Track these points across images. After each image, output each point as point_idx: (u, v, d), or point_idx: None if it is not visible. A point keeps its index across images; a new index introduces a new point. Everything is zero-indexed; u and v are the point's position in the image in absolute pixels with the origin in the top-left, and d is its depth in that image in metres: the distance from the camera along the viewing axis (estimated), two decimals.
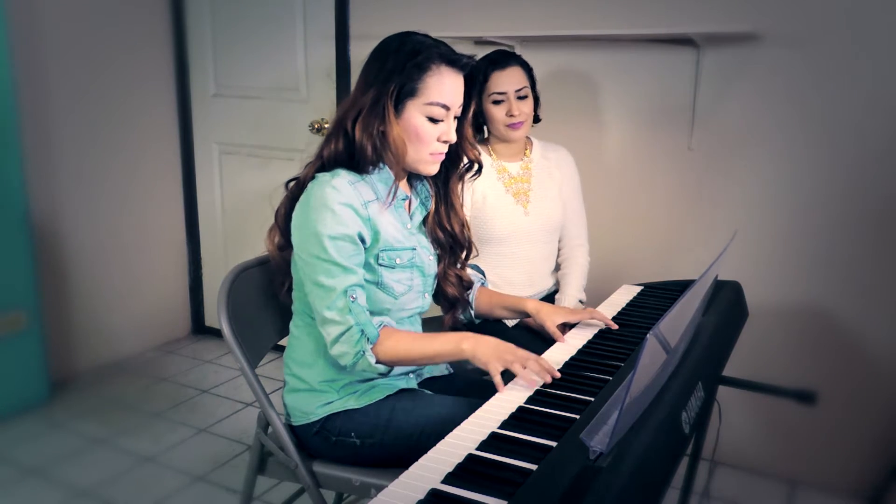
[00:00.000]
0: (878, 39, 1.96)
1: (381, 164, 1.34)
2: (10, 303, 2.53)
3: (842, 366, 2.14)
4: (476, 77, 1.69)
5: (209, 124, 3.22)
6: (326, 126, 2.91)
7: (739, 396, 2.09)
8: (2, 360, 2.52)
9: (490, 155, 1.97)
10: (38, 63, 2.67)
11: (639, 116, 2.32)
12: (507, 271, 1.97)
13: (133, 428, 2.53)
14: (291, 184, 1.38)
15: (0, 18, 2.41)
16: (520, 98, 1.89)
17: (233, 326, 1.38)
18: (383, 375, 1.36)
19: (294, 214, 1.31)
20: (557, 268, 2.08)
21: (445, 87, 1.30)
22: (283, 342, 1.57)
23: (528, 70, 1.94)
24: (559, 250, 2.07)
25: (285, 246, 1.38)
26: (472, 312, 1.60)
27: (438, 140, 1.33)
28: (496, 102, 1.89)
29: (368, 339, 1.27)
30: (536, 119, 2.00)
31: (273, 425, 1.38)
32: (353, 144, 1.30)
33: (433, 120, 1.31)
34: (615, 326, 1.50)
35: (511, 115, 1.88)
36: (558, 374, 1.23)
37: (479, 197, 1.92)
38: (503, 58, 1.91)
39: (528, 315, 1.56)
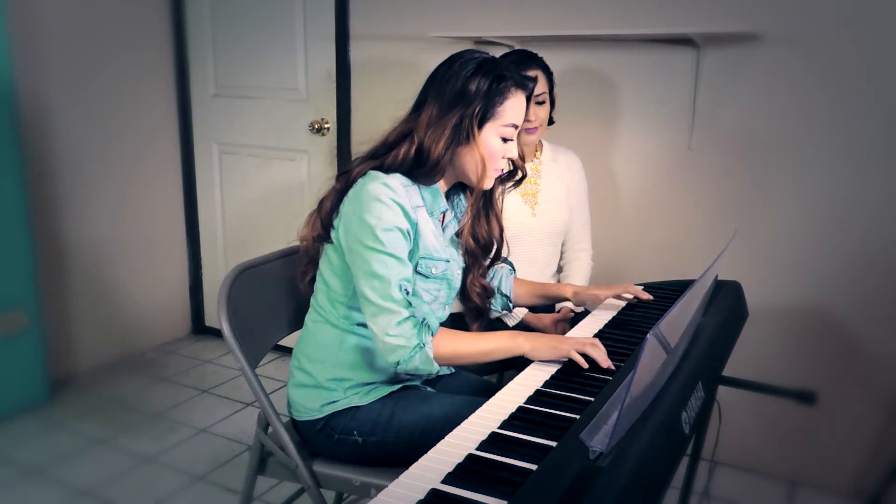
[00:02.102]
0: (877, 39, 1.96)
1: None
2: (10, 303, 2.53)
3: (842, 366, 2.14)
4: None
5: (209, 124, 3.22)
6: (327, 126, 2.91)
7: (739, 396, 2.10)
8: (2, 360, 2.52)
9: None
10: (38, 63, 2.67)
11: (639, 116, 2.32)
12: None
13: (133, 428, 2.53)
14: (340, 177, 1.39)
15: (0, 18, 2.41)
16: (538, 103, 1.89)
17: (233, 326, 1.38)
18: (426, 377, 1.36)
19: (345, 210, 1.32)
20: (559, 270, 2.09)
21: (519, 109, 1.36)
22: (283, 342, 1.58)
23: (549, 74, 1.95)
24: (562, 253, 2.08)
25: (323, 237, 1.37)
26: (511, 305, 1.66)
27: (503, 157, 1.38)
28: None
29: (430, 331, 1.28)
30: (550, 121, 2.01)
31: (273, 425, 1.38)
32: (426, 158, 1.32)
33: (504, 139, 1.36)
34: (650, 297, 1.62)
35: (527, 120, 1.88)
36: (613, 367, 1.28)
37: None
38: (525, 60, 1.91)
39: (566, 299, 1.66)
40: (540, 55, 1.96)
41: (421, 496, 0.85)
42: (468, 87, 1.31)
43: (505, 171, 1.47)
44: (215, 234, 3.34)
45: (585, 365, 1.26)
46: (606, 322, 1.54)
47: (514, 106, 1.34)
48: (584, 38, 2.30)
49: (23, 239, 2.55)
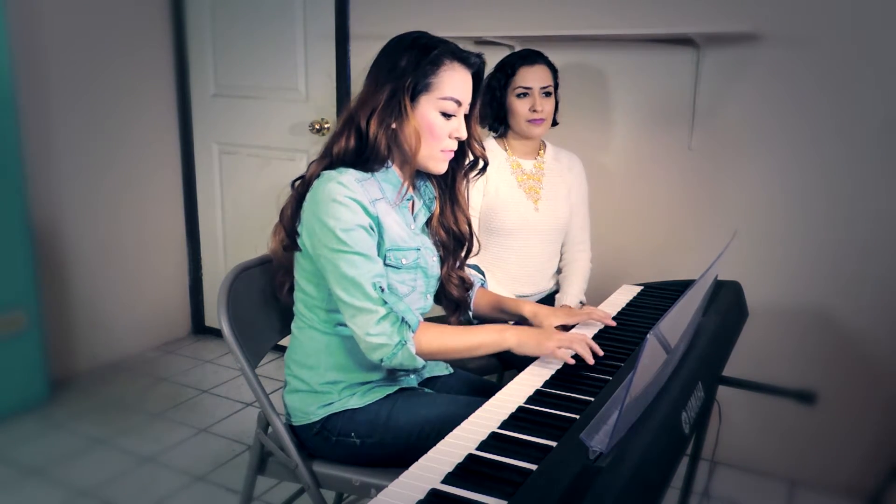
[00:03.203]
0: (877, 39, 1.96)
1: (389, 163, 1.35)
2: (10, 303, 2.53)
3: (842, 366, 2.14)
4: (503, 70, 1.91)
5: (209, 124, 3.22)
6: (327, 126, 2.91)
7: (739, 396, 2.10)
8: (2, 360, 2.52)
9: (505, 150, 1.99)
10: (38, 63, 2.67)
11: (639, 116, 2.32)
12: (511, 266, 1.99)
13: (133, 428, 2.53)
14: (297, 183, 1.37)
15: (0, 19, 2.41)
16: (544, 95, 1.93)
17: (233, 326, 1.38)
18: (415, 373, 1.35)
19: (303, 215, 1.31)
20: (559, 271, 2.09)
21: (457, 82, 1.32)
22: (283, 342, 1.57)
23: (554, 71, 1.99)
24: (562, 254, 2.09)
25: (290, 246, 1.37)
26: (471, 314, 1.60)
27: (450, 136, 1.34)
28: (521, 96, 1.93)
29: (410, 327, 1.27)
30: (554, 122, 2.02)
31: (273, 425, 1.38)
32: (366, 141, 1.30)
33: (446, 115, 1.32)
34: (614, 324, 1.51)
35: (534, 111, 1.92)
36: (601, 352, 1.30)
37: (493, 189, 1.95)
38: (532, 55, 1.96)
39: (525, 318, 1.55)
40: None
41: (421, 496, 0.85)
42: (399, 61, 1.29)
43: (468, 163, 1.44)
44: (215, 234, 3.34)
45: (571, 361, 1.27)
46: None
47: (450, 78, 1.31)
48: (584, 38, 2.31)
49: (23, 239, 2.54)
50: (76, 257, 2.90)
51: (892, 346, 2.07)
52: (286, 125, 3.03)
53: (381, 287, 1.25)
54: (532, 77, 1.92)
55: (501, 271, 1.98)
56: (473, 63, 1.34)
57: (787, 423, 2.25)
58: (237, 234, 3.29)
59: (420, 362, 1.27)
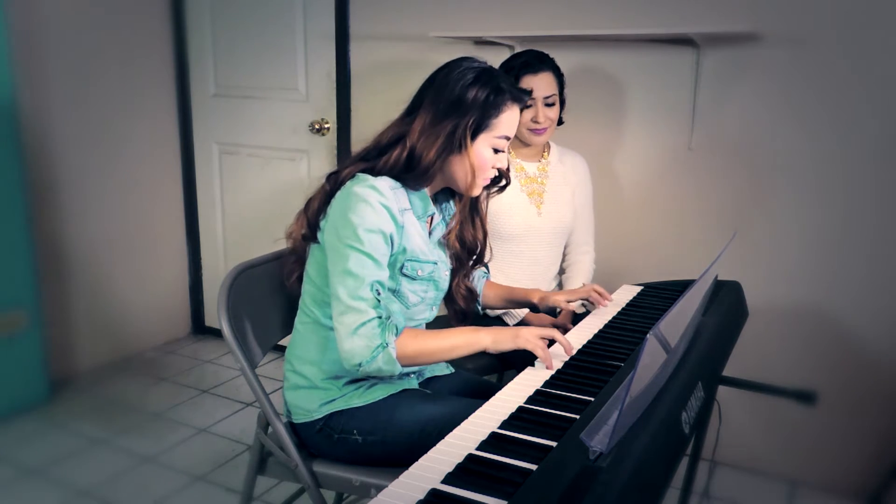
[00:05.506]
0: (877, 39, 1.96)
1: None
2: (10, 303, 2.53)
3: (842, 366, 2.14)
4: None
5: (209, 124, 3.22)
6: (327, 126, 2.91)
7: (739, 396, 2.10)
8: (2, 360, 2.52)
9: (509, 152, 1.98)
10: (38, 63, 2.67)
11: (639, 117, 2.32)
12: (513, 270, 1.98)
13: (133, 428, 2.53)
14: (331, 177, 1.38)
15: (0, 19, 2.41)
16: (547, 105, 1.90)
17: (233, 326, 1.38)
18: (389, 378, 1.36)
19: (330, 210, 1.33)
20: (562, 271, 2.09)
21: (513, 121, 1.38)
22: (283, 342, 1.58)
23: (559, 76, 1.95)
24: (565, 255, 2.09)
25: (309, 237, 1.38)
26: (480, 307, 1.64)
27: (492, 167, 1.39)
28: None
29: (395, 330, 1.27)
30: (560, 121, 2.01)
31: (273, 425, 1.38)
32: (416, 163, 1.33)
33: (496, 150, 1.37)
34: (612, 299, 1.62)
35: (536, 122, 1.89)
36: (572, 352, 1.33)
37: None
38: (536, 62, 1.91)
39: (533, 304, 1.62)
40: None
41: (421, 496, 0.85)
42: (465, 96, 1.31)
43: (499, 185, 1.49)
44: (215, 234, 3.34)
45: (550, 363, 1.27)
46: (607, 322, 1.54)
47: (508, 119, 1.35)
48: (583, 38, 2.30)
49: (23, 239, 2.54)
50: (76, 257, 2.90)
51: (892, 346, 2.07)
52: (286, 125, 3.03)
53: (378, 291, 1.27)
54: (535, 86, 1.87)
55: (503, 275, 1.98)
56: (524, 101, 1.40)
57: (787, 423, 2.25)
58: (237, 234, 3.29)
59: (399, 368, 1.27)
